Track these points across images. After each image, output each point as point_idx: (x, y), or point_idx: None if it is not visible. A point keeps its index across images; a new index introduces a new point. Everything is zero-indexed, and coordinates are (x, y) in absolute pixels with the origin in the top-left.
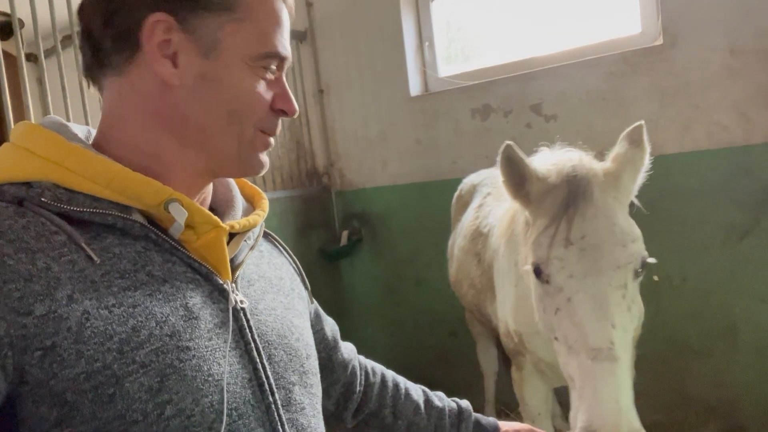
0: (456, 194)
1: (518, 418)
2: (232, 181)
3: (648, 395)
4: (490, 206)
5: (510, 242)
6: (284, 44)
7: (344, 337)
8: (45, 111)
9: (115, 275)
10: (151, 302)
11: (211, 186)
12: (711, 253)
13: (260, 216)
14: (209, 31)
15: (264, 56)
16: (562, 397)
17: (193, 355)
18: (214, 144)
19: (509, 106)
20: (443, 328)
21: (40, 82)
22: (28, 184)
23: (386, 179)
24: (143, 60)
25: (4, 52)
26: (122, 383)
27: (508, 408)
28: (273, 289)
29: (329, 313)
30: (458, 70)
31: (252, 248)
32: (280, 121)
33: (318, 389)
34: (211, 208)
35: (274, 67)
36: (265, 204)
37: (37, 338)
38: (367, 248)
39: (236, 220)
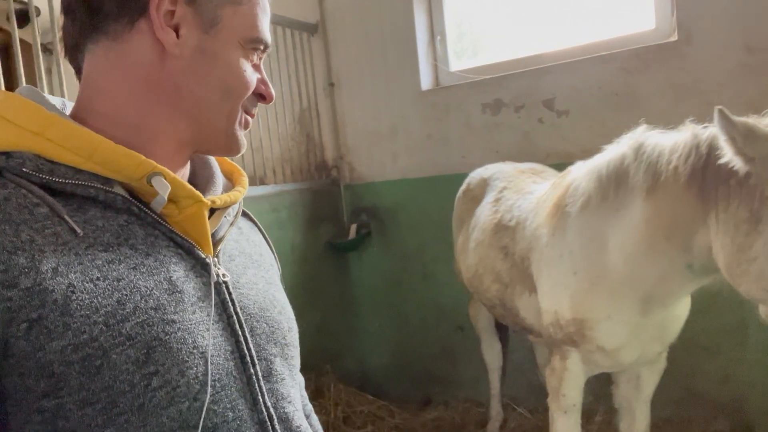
0: (463, 188)
1: (527, 412)
2: (211, 157)
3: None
4: (512, 200)
5: (560, 229)
6: (267, 32)
7: (350, 331)
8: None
9: (99, 248)
10: (135, 276)
11: (188, 164)
12: None
13: (240, 192)
14: (211, 8)
15: (254, 40)
16: None
17: (178, 328)
18: (205, 117)
19: (521, 101)
20: (450, 322)
21: (50, 71)
22: (7, 154)
23: (396, 173)
24: (145, 27)
25: (21, 40)
26: (109, 355)
27: (515, 402)
28: (254, 264)
29: (336, 306)
30: (469, 64)
31: (232, 224)
32: (258, 105)
33: (297, 361)
34: (192, 184)
35: (259, 53)
36: (245, 181)
37: (23, 311)
38: (376, 242)
39: (217, 195)
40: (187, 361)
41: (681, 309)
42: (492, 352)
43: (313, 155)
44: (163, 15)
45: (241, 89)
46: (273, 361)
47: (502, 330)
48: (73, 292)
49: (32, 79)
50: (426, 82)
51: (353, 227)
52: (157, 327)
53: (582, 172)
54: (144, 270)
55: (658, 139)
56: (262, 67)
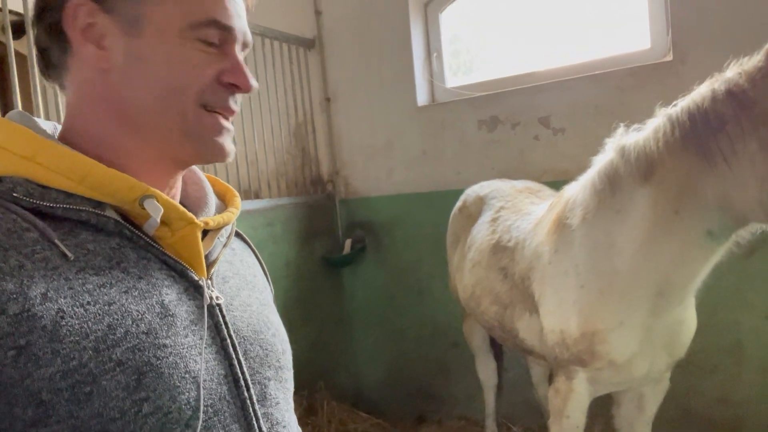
0: (458, 205)
1: (523, 431)
2: (204, 178)
3: None
4: (510, 220)
5: (562, 245)
6: (227, 12)
7: (344, 347)
8: (51, 112)
9: (90, 272)
10: (126, 299)
11: (179, 181)
12: (718, 269)
13: (233, 213)
14: (129, 8)
15: (196, 26)
16: None
17: (170, 353)
18: (157, 125)
19: (517, 118)
20: (445, 338)
21: (44, 84)
22: None
23: (391, 188)
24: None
25: (16, 52)
26: (99, 381)
27: (510, 421)
28: (248, 286)
29: (330, 321)
30: (465, 81)
31: (225, 246)
32: (235, 100)
33: (291, 384)
34: (183, 206)
35: (215, 39)
36: (238, 201)
37: (11, 337)
38: (370, 257)
39: (210, 216)
40: (179, 386)
41: (689, 315)
42: (487, 370)
43: (309, 169)
44: (83, 31)
45: (182, 86)
46: (267, 384)
47: (496, 347)
48: (62, 317)
49: (27, 92)
50: (422, 97)
51: (348, 242)
52: (149, 352)
53: (577, 188)
54: (136, 293)
55: (636, 135)
56: (236, 52)
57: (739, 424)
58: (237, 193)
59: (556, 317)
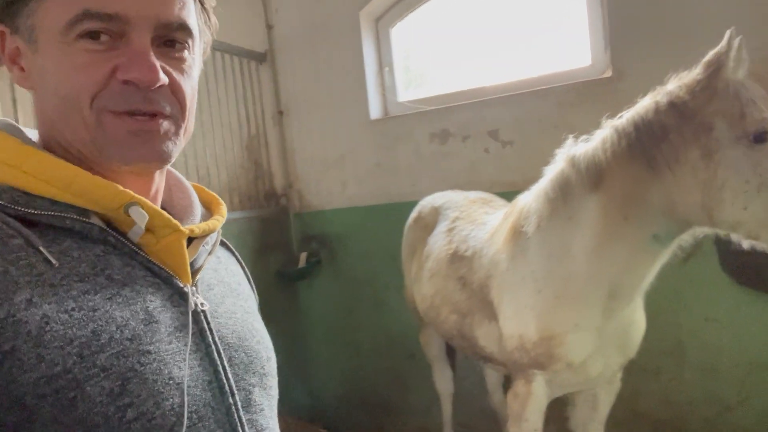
0: (413, 216)
1: None
2: (189, 186)
3: None
4: (466, 230)
5: (518, 253)
6: (103, 1)
7: (300, 361)
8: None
9: (74, 278)
10: (110, 306)
11: (158, 188)
12: (658, 273)
13: (218, 221)
14: (27, 22)
15: (72, 23)
16: None
17: (154, 359)
18: (74, 138)
19: (467, 131)
20: (401, 350)
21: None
22: None
23: (345, 201)
24: None
25: None
26: (83, 387)
27: (467, 428)
28: (232, 293)
29: (286, 336)
30: (417, 95)
31: (210, 253)
32: (147, 97)
33: (276, 392)
34: (169, 213)
35: (101, 31)
36: (223, 210)
37: None
38: (326, 270)
39: (195, 224)
40: (163, 392)
41: (638, 316)
42: (444, 380)
43: (262, 183)
44: (10, 56)
45: (72, 93)
46: (252, 391)
47: (452, 357)
48: (47, 323)
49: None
50: (375, 111)
51: (303, 256)
52: (132, 358)
53: (530, 197)
54: (120, 300)
55: (585, 145)
56: (138, 41)
57: (682, 424)
58: (222, 202)
59: (514, 323)
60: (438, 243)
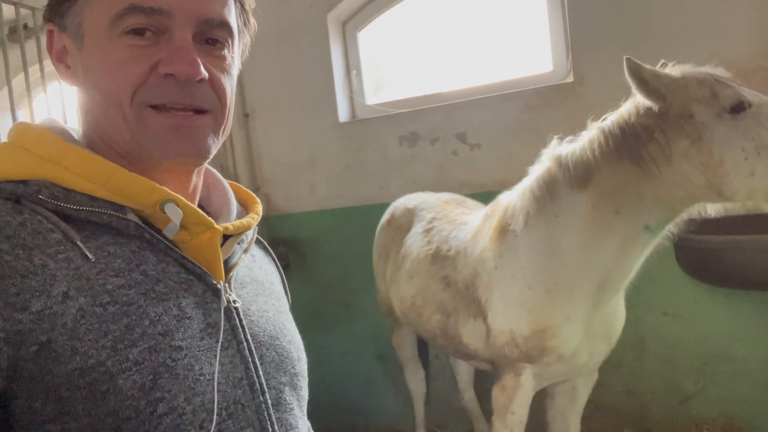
0: (386, 218)
1: None
2: (226, 185)
3: None
4: (446, 230)
5: (507, 251)
6: None
7: None
8: None
9: (110, 273)
10: (144, 301)
11: (197, 185)
12: None
13: (254, 219)
14: (75, 21)
15: (117, 18)
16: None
17: (186, 354)
18: (112, 134)
19: (436, 134)
20: (372, 351)
21: None
22: (25, 182)
23: (314, 204)
24: None
25: None
26: (115, 380)
27: (439, 428)
28: (265, 292)
29: None
30: (385, 98)
31: (245, 251)
32: (188, 91)
33: (306, 392)
34: (207, 212)
35: (146, 26)
36: (259, 208)
37: (33, 334)
38: (295, 274)
39: (230, 222)
40: (194, 388)
41: (620, 306)
42: (416, 380)
43: None
44: (58, 54)
45: (114, 88)
46: (282, 390)
47: (423, 357)
48: (82, 315)
49: None
50: (343, 114)
51: None
52: (165, 353)
53: (515, 195)
54: (154, 296)
55: (572, 145)
56: (179, 36)
57: (643, 414)
58: (258, 200)
59: (505, 318)
60: (416, 244)
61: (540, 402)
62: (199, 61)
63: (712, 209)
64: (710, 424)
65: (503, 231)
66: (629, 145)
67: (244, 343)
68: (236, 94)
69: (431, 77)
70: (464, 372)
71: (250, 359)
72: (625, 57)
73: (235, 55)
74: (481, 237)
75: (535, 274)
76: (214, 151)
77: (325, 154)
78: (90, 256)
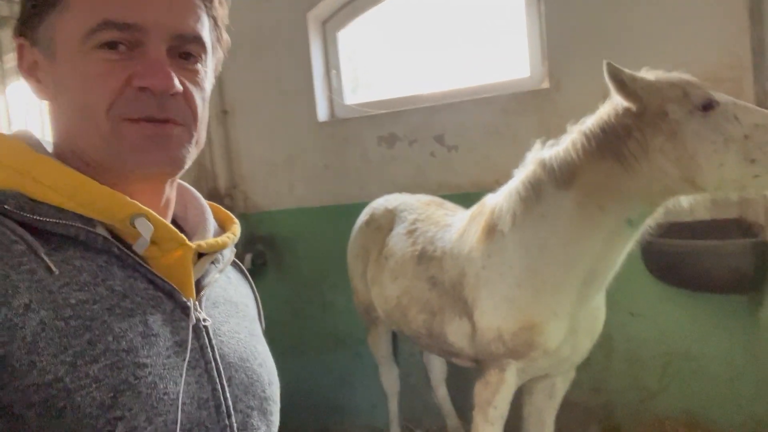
0: (365, 218)
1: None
2: (205, 204)
3: None
4: (431, 231)
5: (495, 250)
6: (125, 8)
7: None
8: None
9: (74, 287)
10: (109, 317)
11: (169, 200)
12: None
13: (230, 239)
14: (46, 34)
15: (90, 33)
16: (464, 411)
17: (150, 372)
18: (86, 147)
19: (414, 135)
20: (348, 349)
21: None
22: None
23: (292, 202)
24: None
25: None
26: (73, 397)
27: (413, 424)
28: (239, 314)
29: None
30: (364, 99)
31: (220, 271)
32: (161, 104)
33: (276, 418)
34: (183, 230)
35: (119, 41)
36: (237, 228)
37: None
38: (272, 272)
39: (205, 240)
40: (156, 408)
41: (602, 303)
42: (390, 378)
43: (205, 183)
44: (28, 68)
45: (92, 101)
46: (250, 414)
47: (396, 355)
48: (43, 329)
49: None
50: (322, 113)
51: (248, 257)
52: (127, 370)
53: (501, 197)
54: (119, 311)
55: (555, 148)
56: (153, 50)
57: (610, 411)
58: (236, 221)
59: (493, 316)
60: (399, 244)
61: (517, 398)
62: (173, 74)
63: (686, 202)
64: (672, 420)
65: (491, 231)
66: (610, 143)
67: (212, 363)
68: (215, 91)
69: (410, 79)
70: (437, 370)
71: (217, 380)
72: (605, 61)
73: (209, 70)
74: (468, 237)
75: (523, 272)
76: (188, 162)
77: (305, 153)
78: (54, 269)
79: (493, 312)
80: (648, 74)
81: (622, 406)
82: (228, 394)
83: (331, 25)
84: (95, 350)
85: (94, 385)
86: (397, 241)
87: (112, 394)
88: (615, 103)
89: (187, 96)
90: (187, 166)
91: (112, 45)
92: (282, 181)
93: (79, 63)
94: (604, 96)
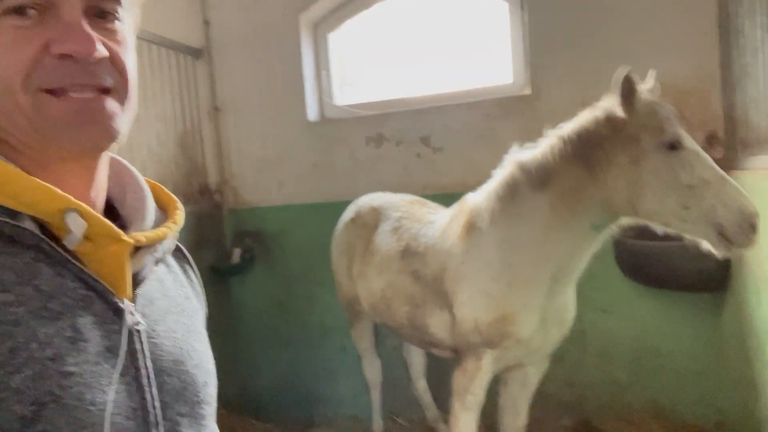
0: (351, 216)
1: (406, 422)
2: (145, 186)
3: None
4: (414, 228)
5: (474, 246)
6: None
7: (231, 355)
8: None
9: None
10: (34, 321)
11: (102, 176)
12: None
13: (171, 229)
14: None
15: None
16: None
17: (76, 382)
18: (7, 125)
19: (401, 137)
20: (333, 343)
21: None
22: None
23: (281, 199)
24: None
25: None
26: None
27: (395, 414)
28: (177, 309)
29: (217, 331)
30: (353, 100)
31: (159, 262)
32: (89, 71)
33: (212, 420)
34: (119, 216)
35: (28, 6)
36: (180, 216)
37: None
38: (260, 267)
39: (144, 231)
40: (82, 420)
41: (571, 298)
42: (373, 370)
43: (196, 179)
44: None
45: (2, 74)
46: (180, 422)
47: (378, 348)
48: None
49: None
50: (312, 113)
51: (237, 252)
52: (52, 380)
53: (480, 196)
54: (45, 314)
55: (532, 152)
56: (68, 13)
57: (583, 403)
58: (181, 206)
59: (470, 308)
60: (385, 241)
61: (493, 390)
62: (95, 36)
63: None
64: (641, 412)
65: (470, 228)
66: (583, 149)
67: (143, 370)
68: (207, 88)
69: (398, 82)
70: (417, 363)
71: (147, 388)
72: (627, 68)
73: (127, 26)
74: (449, 234)
75: (498, 267)
76: (122, 130)
77: (294, 151)
78: None
79: (471, 304)
80: (646, 92)
81: (593, 398)
82: (157, 403)
83: (322, 27)
84: (17, 359)
85: (14, 398)
86: (383, 237)
87: (34, 407)
88: (596, 111)
89: (113, 58)
90: (120, 135)
91: (19, 10)
92: (271, 178)
93: None
94: (583, 103)
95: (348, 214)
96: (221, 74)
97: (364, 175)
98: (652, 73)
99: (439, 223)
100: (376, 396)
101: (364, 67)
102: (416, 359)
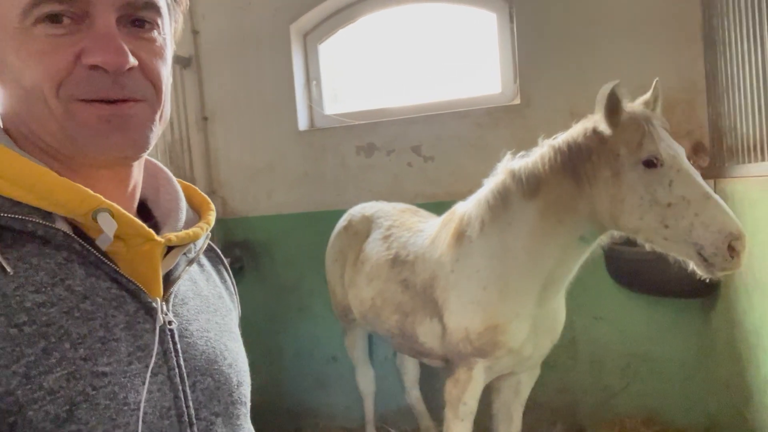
0: (343, 224)
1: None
2: (178, 188)
3: None
4: (404, 237)
5: (463, 255)
6: None
7: None
8: None
9: (30, 289)
10: (67, 321)
11: (137, 182)
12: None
13: (203, 229)
14: None
15: (30, 7)
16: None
17: (109, 381)
18: (38, 131)
19: (392, 146)
20: (324, 353)
21: None
22: None
23: (271, 209)
24: None
25: None
26: (25, 412)
27: (389, 424)
28: (209, 308)
29: None
30: (343, 109)
31: (192, 262)
32: (118, 81)
33: (246, 420)
34: (153, 217)
35: (61, 13)
36: (212, 216)
37: None
38: (250, 277)
39: (176, 232)
40: (115, 420)
41: (561, 306)
42: (366, 380)
43: None
44: None
45: (38, 82)
46: (214, 421)
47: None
48: None
49: None
50: (303, 122)
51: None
52: (85, 380)
53: (470, 204)
54: (78, 315)
55: (523, 160)
56: (102, 21)
57: (574, 409)
58: (213, 207)
59: (461, 317)
60: (375, 249)
61: (486, 396)
62: (125, 48)
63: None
64: (632, 418)
65: (460, 237)
66: (572, 161)
67: (176, 369)
68: (196, 97)
69: (388, 92)
70: (411, 373)
71: (180, 387)
72: (614, 82)
73: (167, 36)
74: (439, 243)
75: (489, 276)
76: (153, 141)
77: (285, 160)
78: (8, 268)
79: (461, 313)
80: (631, 106)
81: (585, 405)
82: (191, 402)
83: (312, 37)
84: (50, 360)
85: (48, 398)
86: (374, 246)
87: (67, 407)
88: (585, 123)
89: (144, 68)
90: (151, 147)
91: (54, 18)
92: (261, 187)
93: (21, 41)
94: (572, 113)
95: (341, 222)
96: (210, 83)
97: (354, 184)
98: (655, 82)
99: (428, 232)
100: (369, 406)
101: (355, 77)
102: (410, 369)
